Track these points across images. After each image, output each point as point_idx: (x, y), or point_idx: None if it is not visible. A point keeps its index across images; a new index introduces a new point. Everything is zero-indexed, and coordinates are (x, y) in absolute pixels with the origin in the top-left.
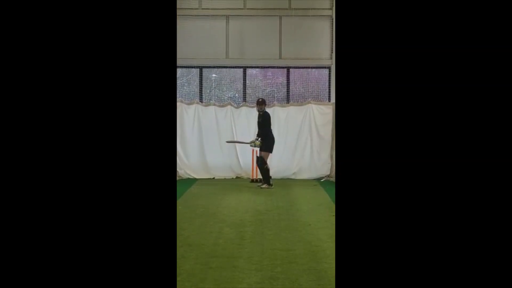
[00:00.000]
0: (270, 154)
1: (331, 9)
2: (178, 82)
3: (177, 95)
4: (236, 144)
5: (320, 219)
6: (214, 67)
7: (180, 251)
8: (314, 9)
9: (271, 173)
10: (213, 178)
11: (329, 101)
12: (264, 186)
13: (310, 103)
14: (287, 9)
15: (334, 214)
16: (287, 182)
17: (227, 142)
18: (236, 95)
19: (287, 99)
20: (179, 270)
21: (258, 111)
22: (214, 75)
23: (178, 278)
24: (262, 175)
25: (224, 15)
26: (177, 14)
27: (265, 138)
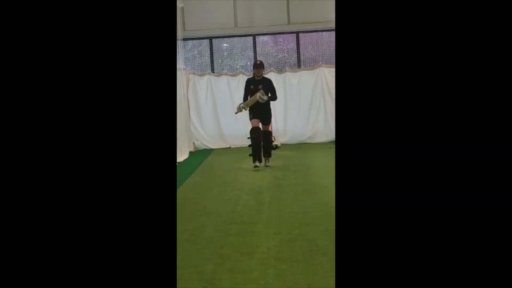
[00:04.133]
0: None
1: None
2: (190, 54)
3: (189, 67)
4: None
5: None
6: (223, 37)
7: (199, 220)
8: None
9: (287, 139)
10: (229, 147)
11: None
12: (268, 163)
13: (321, 66)
14: None
15: None
16: (302, 147)
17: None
18: (248, 63)
19: (298, 64)
20: (198, 239)
21: (257, 77)
22: (225, 44)
23: (197, 247)
24: (268, 149)
25: None
26: None
27: (269, 109)
